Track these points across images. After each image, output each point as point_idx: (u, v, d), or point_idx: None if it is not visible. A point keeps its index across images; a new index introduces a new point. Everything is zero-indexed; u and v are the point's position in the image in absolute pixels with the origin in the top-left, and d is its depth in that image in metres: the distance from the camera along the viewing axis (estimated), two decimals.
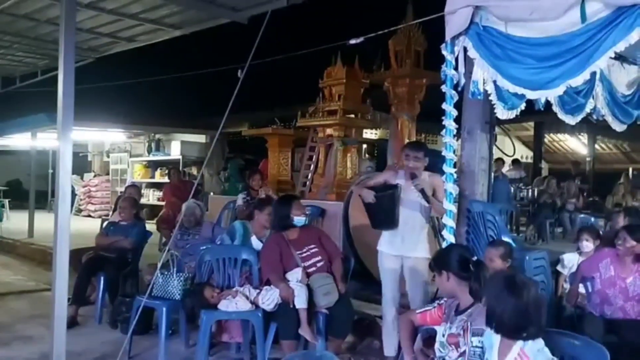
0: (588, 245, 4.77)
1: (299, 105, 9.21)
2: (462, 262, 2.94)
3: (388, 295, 4.22)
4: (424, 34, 7.77)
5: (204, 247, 4.95)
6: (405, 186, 4.14)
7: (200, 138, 13.68)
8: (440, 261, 3.05)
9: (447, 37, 3.76)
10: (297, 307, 4.08)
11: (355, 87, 8.47)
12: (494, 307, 2.35)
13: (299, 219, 4.40)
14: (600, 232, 5.23)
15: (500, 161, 9.75)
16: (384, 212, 4.16)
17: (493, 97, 3.56)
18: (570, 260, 4.85)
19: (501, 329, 2.33)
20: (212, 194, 10.19)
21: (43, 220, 10.34)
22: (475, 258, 3.02)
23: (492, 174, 5.07)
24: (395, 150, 8.20)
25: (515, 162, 11.14)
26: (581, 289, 4.29)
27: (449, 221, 3.97)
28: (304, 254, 4.38)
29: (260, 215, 4.86)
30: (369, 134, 11.82)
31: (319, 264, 4.36)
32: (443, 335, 2.84)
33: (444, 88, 3.88)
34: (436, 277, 3.03)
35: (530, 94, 3.36)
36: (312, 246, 4.41)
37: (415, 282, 4.13)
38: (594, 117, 3.62)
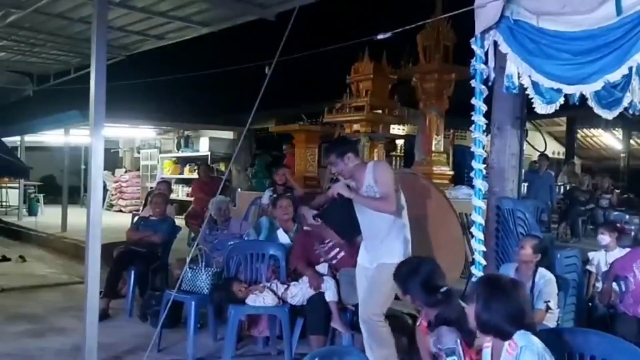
0: (604, 238, 4.77)
1: (326, 101, 9.19)
2: (425, 290, 2.66)
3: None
4: (453, 28, 7.67)
5: (232, 243, 5.01)
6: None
7: (228, 134, 13.79)
8: (401, 281, 2.76)
9: (477, 31, 3.69)
10: (327, 300, 4.11)
11: (383, 82, 8.42)
12: (484, 314, 2.18)
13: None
14: (618, 225, 5.20)
15: (544, 157, 9.58)
16: (340, 223, 3.81)
17: (530, 92, 3.48)
18: (595, 257, 4.78)
19: (496, 333, 2.21)
20: (239, 190, 10.28)
21: (76, 215, 10.58)
22: (445, 288, 2.71)
23: (523, 170, 4.97)
24: (424, 147, 8.13)
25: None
26: (614, 286, 4.20)
27: (477, 218, 3.91)
28: (325, 247, 4.43)
29: (275, 211, 5.03)
30: (397, 129, 11.74)
31: (339, 256, 4.39)
32: (433, 348, 2.69)
33: (473, 83, 3.82)
34: (399, 290, 2.79)
35: (567, 89, 3.28)
36: (328, 240, 4.42)
37: (368, 287, 3.65)
38: (630, 111, 3.51)
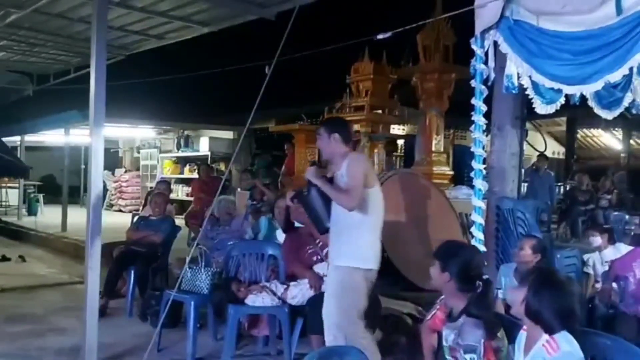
0: (595, 240, 4.81)
1: (326, 101, 9.20)
2: (466, 273, 2.61)
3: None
4: (453, 28, 7.67)
5: (232, 243, 5.01)
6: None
7: (228, 134, 13.79)
8: (444, 258, 2.70)
9: (477, 31, 3.70)
10: None
11: (383, 82, 8.43)
12: (533, 304, 2.23)
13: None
14: (606, 226, 5.30)
15: (543, 157, 9.60)
16: (315, 210, 3.59)
17: (530, 92, 3.48)
18: (591, 259, 4.83)
19: (540, 323, 2.23)
20: (239, 189, 10.28)
21: (76, 215, 10.58)
22: (485, 276, 2.66)
23: (523, 170, 4.98)
24: (424, 147, 8.14)
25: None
26: (614, 286, 4.20)
27: (477, 218, 3.92)
28: (310, 250, 4.41)
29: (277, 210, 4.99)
30: (397, 129, 11.75)
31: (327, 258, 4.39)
32: (446, 341, 2.63)
33: (473, 83, 3.82)
34: (434, 267, 2.69)
35: (568, 89, 3.28)
36: (310, 246, 4.41)
37: (328, 295, 3.45)
38: (633, 111, 3.51)
